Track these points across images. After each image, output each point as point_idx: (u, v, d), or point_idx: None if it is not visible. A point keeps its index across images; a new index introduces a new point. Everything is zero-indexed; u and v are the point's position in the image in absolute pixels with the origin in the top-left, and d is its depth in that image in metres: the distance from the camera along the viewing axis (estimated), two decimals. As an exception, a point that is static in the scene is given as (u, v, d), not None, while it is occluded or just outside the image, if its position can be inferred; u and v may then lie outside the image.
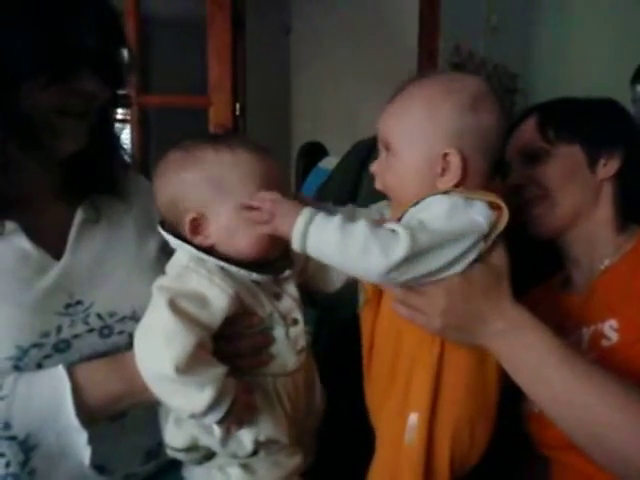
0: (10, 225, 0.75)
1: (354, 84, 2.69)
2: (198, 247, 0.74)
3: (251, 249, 0.74)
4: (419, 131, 0.75)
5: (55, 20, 0.71)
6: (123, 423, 0.80)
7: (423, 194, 0.73)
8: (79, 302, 0.78)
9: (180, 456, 0.78)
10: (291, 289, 0.79)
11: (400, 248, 0.65)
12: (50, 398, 0.70)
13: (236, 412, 0.69)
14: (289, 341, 0.77)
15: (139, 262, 0.84)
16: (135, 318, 0.79)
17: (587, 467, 0.74)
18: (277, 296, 0.77)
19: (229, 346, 0.74)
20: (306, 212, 0.68)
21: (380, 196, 1.28)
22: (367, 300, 0.82)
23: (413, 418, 0.74)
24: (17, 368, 0.71)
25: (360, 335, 1.20)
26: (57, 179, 0.83)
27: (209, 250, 0.74)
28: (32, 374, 0.72)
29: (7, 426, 0.68)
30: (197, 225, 0.74)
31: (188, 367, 0.65)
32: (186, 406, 0.68)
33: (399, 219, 0.74)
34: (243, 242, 0.73)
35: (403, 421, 0.75)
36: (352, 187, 1.31)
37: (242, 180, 0.73)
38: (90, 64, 0.75)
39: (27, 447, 0.69)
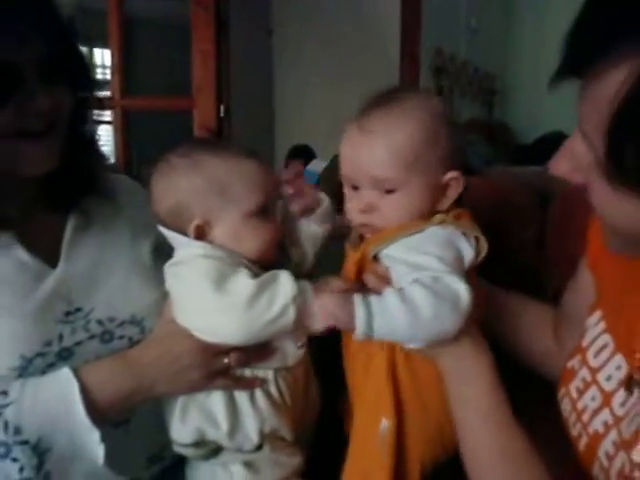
0: (5, 237, 0.74)
1: (337, 86, 2.71)
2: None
3: (257, 253, 0.75)
4: (422, 162, 0.71)
5: None
6: (127, 429, 0.80)
7: (409, 222, 0.73)
8: (78, 309, 0.78)
9: (187, 452, 0.79)
10: None
11: (464, 296, 0.65)
12: (59, 400, 0.69)
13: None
14: (291, 335, 0.77)
15: (135, 265, 0.84)
16: (134, 322, 0.80)
17: None
18: None
19: None
20: (359, 300, 0.65)
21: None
22: None
23: (384, 424, 0.74)
24: (22, 377, 0.71)
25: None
26: (42, 190, 0.81)
27: None
28: (39, 378, 0.71)
29: (18, 431, 0.68)
30: (201, 231, 0.75)
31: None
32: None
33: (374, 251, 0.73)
34: (249, 246, 0.75)
35: (376, 423, 0.75)
36: (339, 192, 1.32)
37: (247, 188, 0.75)
38: (38, 78, 0.69)
39: (40, 451, 0.69)
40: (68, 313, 0.76)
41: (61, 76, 0.72)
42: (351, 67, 2.70)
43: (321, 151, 1.83)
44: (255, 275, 0.73)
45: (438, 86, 2.94)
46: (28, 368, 0.72)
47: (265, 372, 0.77)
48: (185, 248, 0.75)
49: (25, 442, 0.68)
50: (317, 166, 1.52)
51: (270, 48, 2.87)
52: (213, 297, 0.70)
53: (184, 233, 0.75)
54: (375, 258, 0.74)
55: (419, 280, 0.66)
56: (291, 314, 0.70)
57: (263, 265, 0.76)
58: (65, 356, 0.75)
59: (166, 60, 2.41)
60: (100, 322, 0.79)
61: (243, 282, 0.71)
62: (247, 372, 0.76)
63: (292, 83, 2.85)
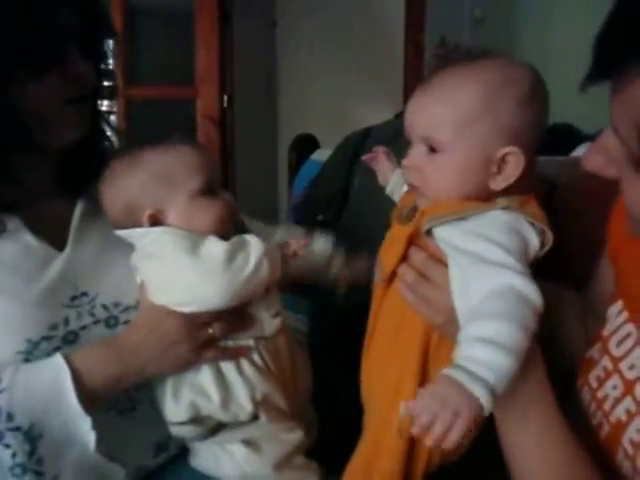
0: (13, 221, 0.75)
1: (341, 76, 2.70)
2: None
3: (209, 229, 0.79)
4: (476, 127, 0.66)
5: (40, 2, 0.70)
6: (132, 417, 0.81)
7: (469, 195, 0.68)
8: (84, 294, 0.79)
9: (184, 432, 0.81)
10: None
11: (536, 300, 0.61)
12: (51, 386, 0.70)
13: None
14: (264, 304, 0.82)
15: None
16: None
17: None
18: None
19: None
20: (465, 378, 0.56)
21: (371, 190, 1.30)
22: (382, 279, 0.77)
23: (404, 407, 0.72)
24: (28, 362, 0.72)
25: (355, 326, 1.22)
26: (54, 173, 0.83)
27: None
28: (31, 364, 0.72)
29: (10, 417, 0.69)
30: (155, 219, 0.79)
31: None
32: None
33: (423, 230, 0.68)
34: (201, 224, 0.79)
35: (394, 408, 0.70)
36: (344, 181, 1.32)
37: (187, 171, 0.80)
38: (78, 46, 0.75)
39: (32, 437, 0.70)
40: (74, 297, 0.78)
41: (94, 52, 0.78)
42: (355, 56, 2.68)
43: (325, 140, 1.82)
44: None
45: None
46: (34, 352, 0.73)
47: (246, 342, 0.80)
48: (146, 236, 0.78)
49: (17, 428, 0.69)
50: (321, 155, 1.52)
51: (273, 38, 2.85)
52: (191, 265, 0.73)
53: (139, 225, 0.79)
54: (428, 232, 0.69)
55: (491, 308, 0.60)
56: (265, 267, 0.75)
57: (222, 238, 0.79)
58: (70, 340, 0.76)
59: (169, 50, 2.39)
60: (105, 307, 0.80)
61: (216, 246, 0.74)
62: (229, 344, 0.80)
63: (295, 73, 2.84)
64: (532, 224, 0.66)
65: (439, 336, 0.71)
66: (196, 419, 0.80)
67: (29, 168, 0.79)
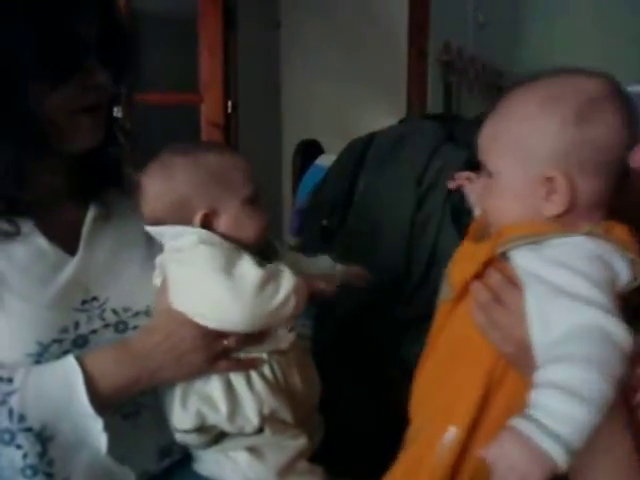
0: (26, 225, 0.76)
1: (344, 81, 2.70)
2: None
3: (255, 238, 0.81)
4: (516, 151, 0.64)
5: (59, 13, 0.71)
6: (137, 421, 0.81)
7: (526, 219, 0.64)
8: (95, 298, 0.79)
9: (189, 439, 0.80)
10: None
11: (626, 342, 0.54)
12: (63, 388, 0.70)
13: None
14: None
15: (150, 260, 0.85)
16: (149, 314, 0.81)
17: None
18: None
19: None
20: (537, 434, 0.51)
21: (376, 195, 1.30)
22: (449, 296, 0.72)
23: (452, 431, 0.65)
24: (38, 364, 0.73)
25: (358, 330, 1.22)
26: (67, 178, 0.84)
27: None
28: (43, 366, 0.73)
29: (22, 418, 0.69)
30: (208, 220, 0.79)
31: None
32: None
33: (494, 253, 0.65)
34: (248, 232, 0.81)
35: (441, 430, 0.66)
36: (348, 186, 1.32)
37: (242, 177, 0.82)
38: (98, 56, 0.76)
39: (43, 438, 0.70)
40: (84, 301, 0.78)
41: (112, 60, 0.78)
42: (359, 61, 2.69)
43: (329, 146, 1.82)
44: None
45: (446, 81, 2.93)
46: (44, 354, 0.73)
47: (260, 354, 0.80)
48: (179, 238, 0.78)
49: (29, 429, 0.69)
50: (325, 161, 1.52)
51: (278, 42, 2.86)
52: (224, 283, 0.72)
53: (187, 224, 0.78)
54: (504, 255, 0.65)
55: (572, 351, 0.54)
56: (292, 302, 0.74)
57: (255, 251, 0.80)
58: (80, 343, 0.76)
59: (173, 56, 2.40)
60: (115, 312, 0.80)
61: (251, 270, 0.74)
62: (242, 356, 0.79)
63: (300, 77, 2.84)
64: (621, 254, 0.60)
65: (504, 366, 0.65)
66: (201, 428, 0.79)
67: (43, 173, 0.80)
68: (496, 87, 3.65)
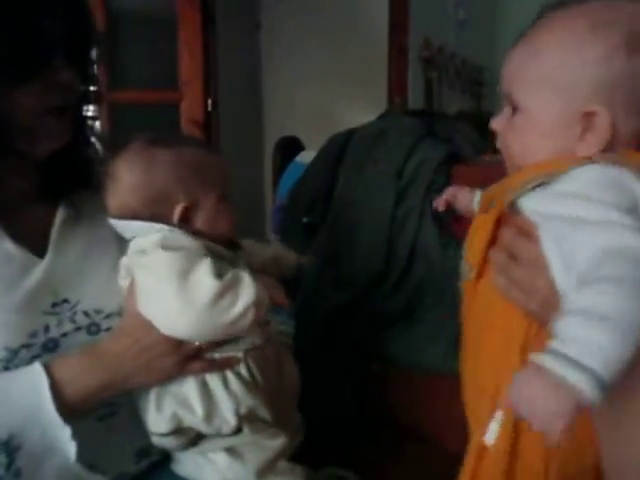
0: None
1: (325, 78, 2.70)
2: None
3: (228, 232, 0.83)
4: (553, 82, 0.57)
5: (23, 8, 0.69)
6: (112, 423, 0.80)
7: (552, 160, 0.58)
8: (65, 300, 0.78)
9: (166, 442, 0.79)
10: (244, 267, 0.82)
11: None
12: (29, 396, 0.69)
13: None
14: None
15: (121, 258, 0.83)
16: (121, 314, 0.80)
17: None
18: None
19: None
20: (556, 365, 0.44)
21: (355, 191, 1.30)
22: (472, 275, 0.66)
23: (498, 415, 0.57)
24: (7, 369, 0.71)
25: (338, 326, 1.22)
26: (35, 179, 0.82)
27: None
28: (9, 374, 0.71)
29: None
30: (187, 214, 0.79)
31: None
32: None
33: (508, 203, 0.59)
34: (223, 227, 0.82)
35: (490, 414, 0.59)
36: (328, 182, 1.32)
37: (219, 175, 0.83)
38: (63, 54, 0.74)
39: (10, 448, 0.68)
40: (55, 304, 0.76)
41: (80, 59, 0.77)
42: (339, 58, 2.69)
43: (310, 142, 1.82)
44: (218, 256, 0.77)
45: (427, 78, 2.93)
46: (13, 360, 0.71)
47: (235, 354, 0.79)
48: (143, 235, 0.77)
49: None
50: (306, 157, 1.52)
51: (258, 41, 2.85)
52: (175, 290, 0.71)
53: (159, 220, 0.77)
54: (512, 208, 0.60)
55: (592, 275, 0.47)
56: (250, 316, 0.73)
57: (226, 244, 0.82)
58: (50, 347, 0.75)
59: (153, 54, 2.39)
60: (86, 314, 0.79)
61: (207, 280, 0.72)
62: (217, 356, 0.78)
63: (280, 75, 2.84)
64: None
65: (537, 329, 0.58)
66: (178, 430, 0.78)
67: (9, 175, 0.77)
68: (476, 82, 3.67)
